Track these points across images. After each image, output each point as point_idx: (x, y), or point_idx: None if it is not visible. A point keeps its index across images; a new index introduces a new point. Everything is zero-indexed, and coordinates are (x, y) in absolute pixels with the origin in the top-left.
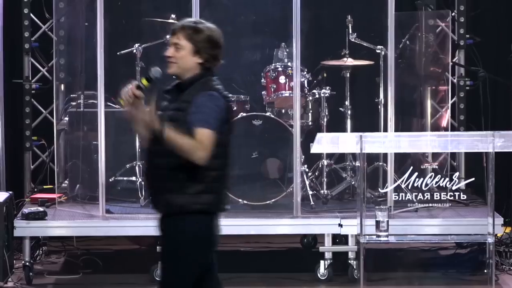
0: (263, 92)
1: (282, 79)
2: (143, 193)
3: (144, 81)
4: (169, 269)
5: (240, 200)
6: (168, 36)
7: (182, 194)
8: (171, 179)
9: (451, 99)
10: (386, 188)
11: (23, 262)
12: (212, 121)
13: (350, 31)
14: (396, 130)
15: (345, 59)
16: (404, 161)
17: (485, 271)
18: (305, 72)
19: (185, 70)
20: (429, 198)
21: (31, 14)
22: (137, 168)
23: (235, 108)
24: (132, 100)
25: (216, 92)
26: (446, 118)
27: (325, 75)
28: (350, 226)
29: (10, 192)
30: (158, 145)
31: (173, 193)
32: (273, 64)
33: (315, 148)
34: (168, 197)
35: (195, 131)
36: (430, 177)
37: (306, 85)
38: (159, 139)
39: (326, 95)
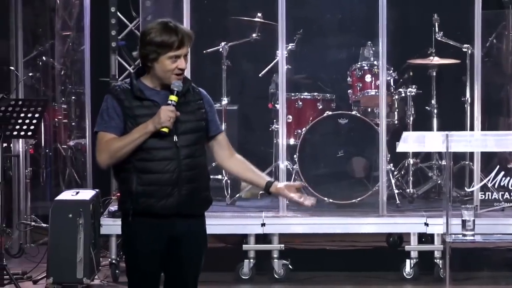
0: (349, 91)
1: (368, 78)
2: (229, 192)
3: (174, 98)
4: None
5: (325, 198)
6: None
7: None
8: (207, 178)
9: None
10: (473, 187)
11: (109, 259)
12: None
13: (437, 30)
14: (483, 129)
15: (431, 57)
16: (491, 160)
17: None
18: (391, 71)
19: None
20: None
21: (118, 13)
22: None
23: (321, 106)
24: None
25: None
26: None
27: (411, 73)
28: (436, 225)
29: (97, 190)
30: (195, 144)
31: (209, 192)
32: (359, 63)
33: (401, 147)
34: (208, 195)
35: (222, 135)
36: None
37: (392, 83)
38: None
39: (412, 93)
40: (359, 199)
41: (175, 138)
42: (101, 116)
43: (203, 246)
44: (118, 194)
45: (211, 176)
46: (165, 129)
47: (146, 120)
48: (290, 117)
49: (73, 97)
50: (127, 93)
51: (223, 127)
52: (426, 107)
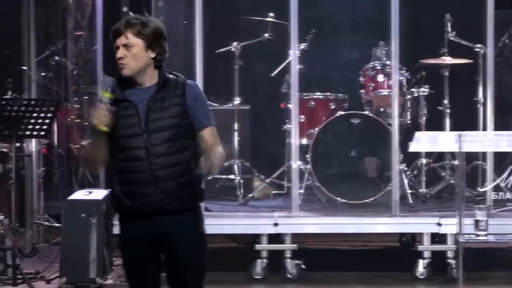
0: (361, 91)
1: (380, 78)
2: (241, 191)
3: (107, 94)
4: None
5: (338, 198)
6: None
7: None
8: (196, 172)
9: None
10: (485, 187)
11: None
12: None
13: (449, 30)
14: (495, 128)
15: (444, 57)
16: (504, 160)
17: None
18: (404, 71)
19: (140, 68)
20: None
21: (130, 13)
22: (235, 166)
23: (333, 106)
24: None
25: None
26: None
27: (423, 73)
28: (449, 225)
29: (110, 189)
30: (170, 141)
31: (197, 186)
32: (372, 63)
33: (413, 147)
34: (196, 190)
35: (207, 130)
36: None
37: (404, 83)
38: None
39: (424, 93)
40: (371, 199)
41: (144, 136)
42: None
43: (199, 243)
44: None
45: (224, 176)
46: (103, 128)
47: (124, 121)
48: (303, 117)
49: (86, 97)
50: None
51: (236, 127)
52: (439, 107)
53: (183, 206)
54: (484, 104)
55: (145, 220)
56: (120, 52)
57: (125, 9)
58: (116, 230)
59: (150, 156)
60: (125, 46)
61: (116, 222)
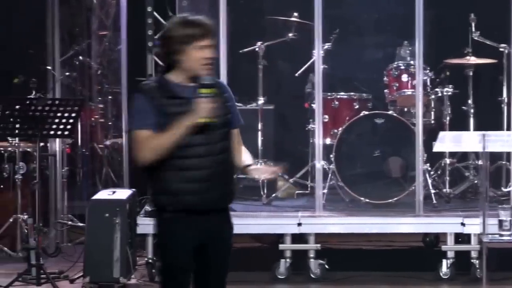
0: (385, 91)
1: (404, 78)
2: (265, 191)
3: (205, 90)
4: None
5: (362, 198)
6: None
7: None
8: (234, 171)
9: None
10: (509, 187)
11: (146, 259)
12: None
13: (473, 29)
14: None
15: (468, 57)
16: None
17: None
18: (428, 71)
19: None
20: None
21: (155, 13)
22: (259, 166)
23: (357, 106)
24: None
25: None
26: None
27: (447, 73)
28: (473, 225)
29: (133, 189)
30: (226, 139)
31: (235, 184)
32: (396, 63)
33: (437, 147)
34: (234, 188)
35: (238, 127)
36: None
37: (428, 83)
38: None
39: (448, 93)
40: (395, 199)
41: (209, 134)
42: (135, 114)
43: (231, 238)
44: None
45: (247, 176)
46: (207, 120)
47: (179, 117)
48: (327, 116)
49: (110, 97)
50: (158, 92)
51: (259, 126)
52: (463, 107)
53: (228, 204)
54: (508, 104)
55: (197, 216)
56: (211, 53)
57: (149, 8)
58: (141, 229)
59: (209, 153)
60: (212, 47)
61: (141, 221)
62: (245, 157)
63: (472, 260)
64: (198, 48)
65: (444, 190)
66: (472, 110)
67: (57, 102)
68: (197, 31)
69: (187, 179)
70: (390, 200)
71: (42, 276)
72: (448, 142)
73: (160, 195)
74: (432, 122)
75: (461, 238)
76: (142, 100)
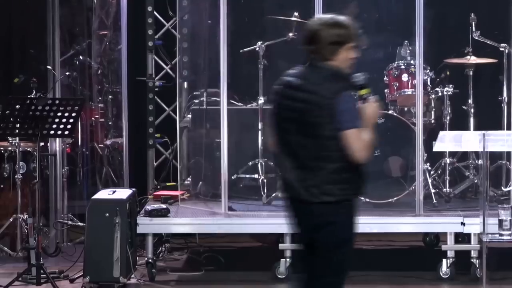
0: (385, 90)
1: (405, 77)
2: (265, 191)
3: (367, 90)
4: None
5: (362, 198)
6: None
7: None
8: None
9: None
10: (510, 186)
11: (146, 258)
12: None
13: (474, 29)
14: None
15: (468, 57)
16: None
17: None
18: (428, 70)
19: None
20: None
21: (155, 12)
22: (259, 165)
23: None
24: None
25: None
26: None
27: (448, 73)
28: (473, 225)
29: (133, 189)
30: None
31: None
32: (396, 62)
33: (437, 146)
34: None
35: None
36: None
37: (429, 83)
38: None
39: (449, 93)
40: (395, 198)
41: None
42: (355, 112)
43: None
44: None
45: (248, 176)
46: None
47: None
48: None
49: (110, 96)
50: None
51: (260, 126)
52: (463, 107)
53: None
54: (509, 104)
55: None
56: (357, 53)
57: (149, 8)
58: (141, 229)
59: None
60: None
61: (141, 221)
62: None
63: (472, 260)
64: (347, 49)
65: (444, 189)
66: (472, 110)
67: (57, 101)
68: (347, 33)
69: (364, 170)
70: (390, 200)
71: (42, 275)
72: (448, 141)
73: (351, 185)
74: (432, 121)
75: (461, 237)
76: (353, 97)
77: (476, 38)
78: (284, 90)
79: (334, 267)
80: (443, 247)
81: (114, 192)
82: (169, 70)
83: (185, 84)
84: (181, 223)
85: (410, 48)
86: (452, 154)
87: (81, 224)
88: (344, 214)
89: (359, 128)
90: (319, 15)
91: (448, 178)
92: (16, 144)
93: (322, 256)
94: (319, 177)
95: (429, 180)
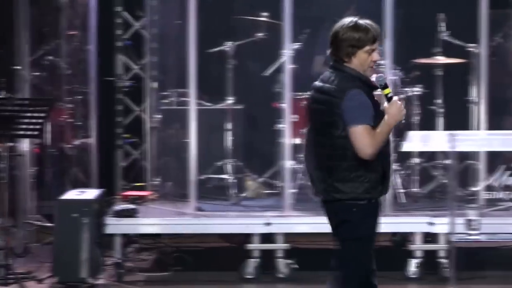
0: None
1: (373, 77)
2: (234, 191)
3: (387, 90)
4: None
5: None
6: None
7: None
8: None
9: None
10: (478, 186)
11: (114, 259)
12: None
13: (443, 29)
14: (488, 128)
15: (437, 57)
16: (496, 159)
17: None
18: (397, 70)
19: None
20: None
21: (124, 12)
22: (228, 166)
23: None
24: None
25: None
26: None
27: (417, 73)
28: (441, 225)
29: (102, 189)
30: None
31: None
32: None
33: (406, 146)
34: None
35: None
36: None
37: (398, 83)
38: None
39: (417, 93)
40: None
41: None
42: (361, 109)
43: None
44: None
45: (217, 176)
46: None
47: (380, 112)
48: (296, 116)
49: (79, 97)
50: (363, 86)
51: (229, 126)
52: (432, 107)
53: None
54: (477, 104)
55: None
56: (377, 56)
57: (118, 8)
58: (109, 230)
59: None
60: (378, 50)
61: (110, 221)
62: None
63: (440, 260)
64: (368, 52)
65: (413, 189)
66: (440, 110)
67: (26, 102)
68: (368, 36)
69: (387, 166)
70: None
71: (10, 276)
72: (417, 141)
73: (371, 184)
74: (401, 121)
75: (429, 237)
76: (363, 95)
77: (445, 38)
78: (312, 94)
79: (349, 264)
80: (411, 247)
81: (82, 192)
82: (138, 70)
83: (154, 84)
84: (149, 223)
85: (379, 48)
86: (421, 154)
87: (49, 224)
88: (359, 213)
89: (365, 125)
90: (345, 18)
91: (416, 178)
92: None
93: (340, 252)
94: (334, 176)
95: (398, 180)
